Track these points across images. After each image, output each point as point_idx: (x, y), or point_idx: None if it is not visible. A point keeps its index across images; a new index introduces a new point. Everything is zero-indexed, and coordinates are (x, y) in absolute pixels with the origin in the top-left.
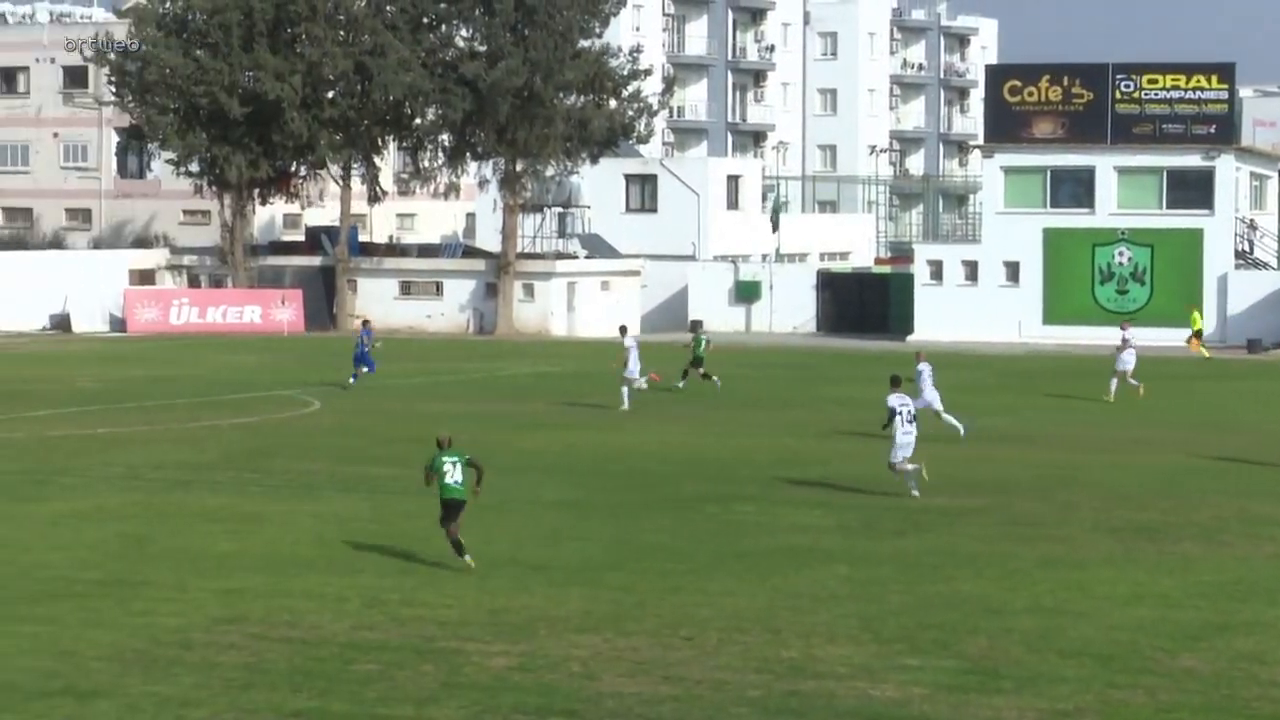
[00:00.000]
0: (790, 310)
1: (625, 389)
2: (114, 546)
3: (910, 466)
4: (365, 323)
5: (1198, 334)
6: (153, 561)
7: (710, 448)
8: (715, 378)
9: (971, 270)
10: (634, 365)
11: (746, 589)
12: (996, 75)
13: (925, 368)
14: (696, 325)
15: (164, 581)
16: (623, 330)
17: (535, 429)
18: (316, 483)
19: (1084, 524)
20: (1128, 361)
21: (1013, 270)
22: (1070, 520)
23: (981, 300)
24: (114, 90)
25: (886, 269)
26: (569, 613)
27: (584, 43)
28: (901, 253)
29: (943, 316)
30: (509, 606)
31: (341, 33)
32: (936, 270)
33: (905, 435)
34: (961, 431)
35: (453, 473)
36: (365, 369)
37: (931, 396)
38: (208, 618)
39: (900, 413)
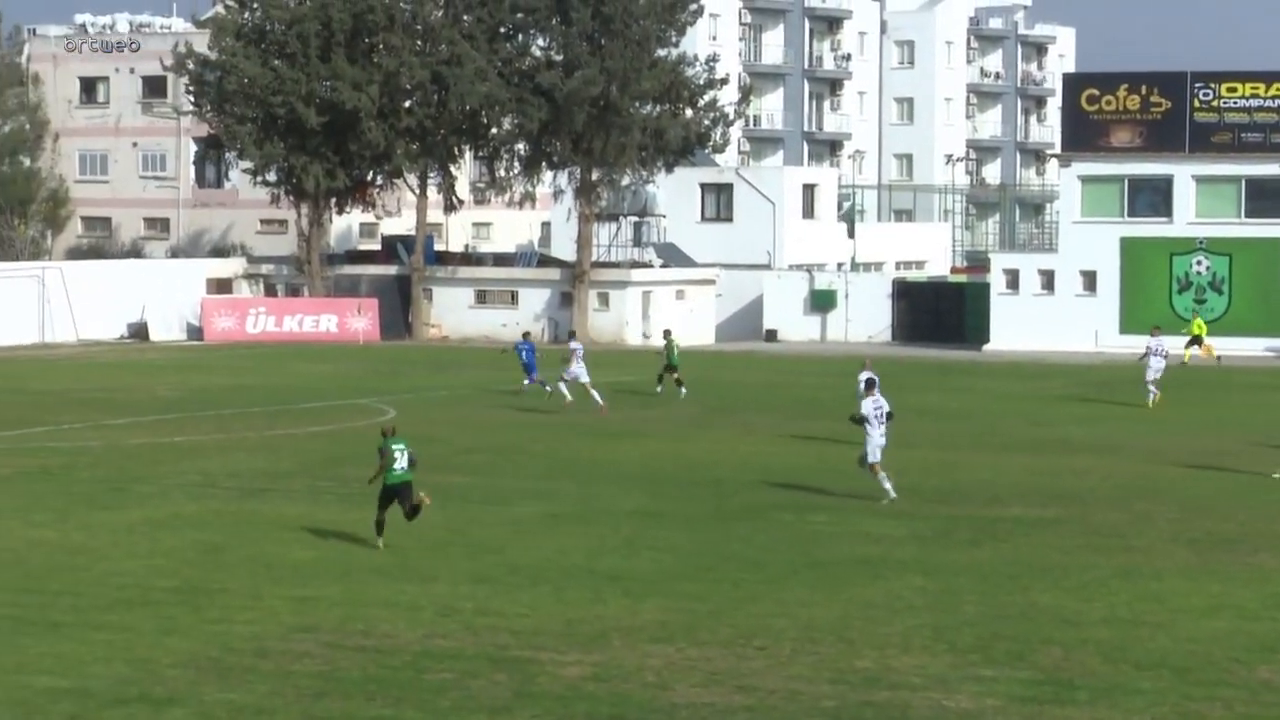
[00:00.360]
0: (865, 319)
1: (563, 385)
2: (190, 554)
3: (885, 477)
4: (526, 335)
5: (1196, 339)
6: (228, 569)
7: (785, 457)
8: (684, 388)
9: (1048, 279)
10: (577, 368)
11: (821, 599)
12: (1074, 84)
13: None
14: (667, 333)
15: (239, 589)
16: (571, 334)
17: (611, 438)
18: None
19: (1161, 535)
20: (1157, 368)
21: (1090, 279)
22: (1147, 531)
23: (1058, 309)
24: (193, 100)
25: (962, 278)
26: (643, 622)
27: (660, 52)
28: (977, 262)
29: (1019, 326)
30: (583, 616)
31: (419, 42)
32: (1013, 279)
33: (879, 437)
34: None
35: (400, 459)
36: (529, 379)
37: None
38: (282, 626)
39: (874, 416)
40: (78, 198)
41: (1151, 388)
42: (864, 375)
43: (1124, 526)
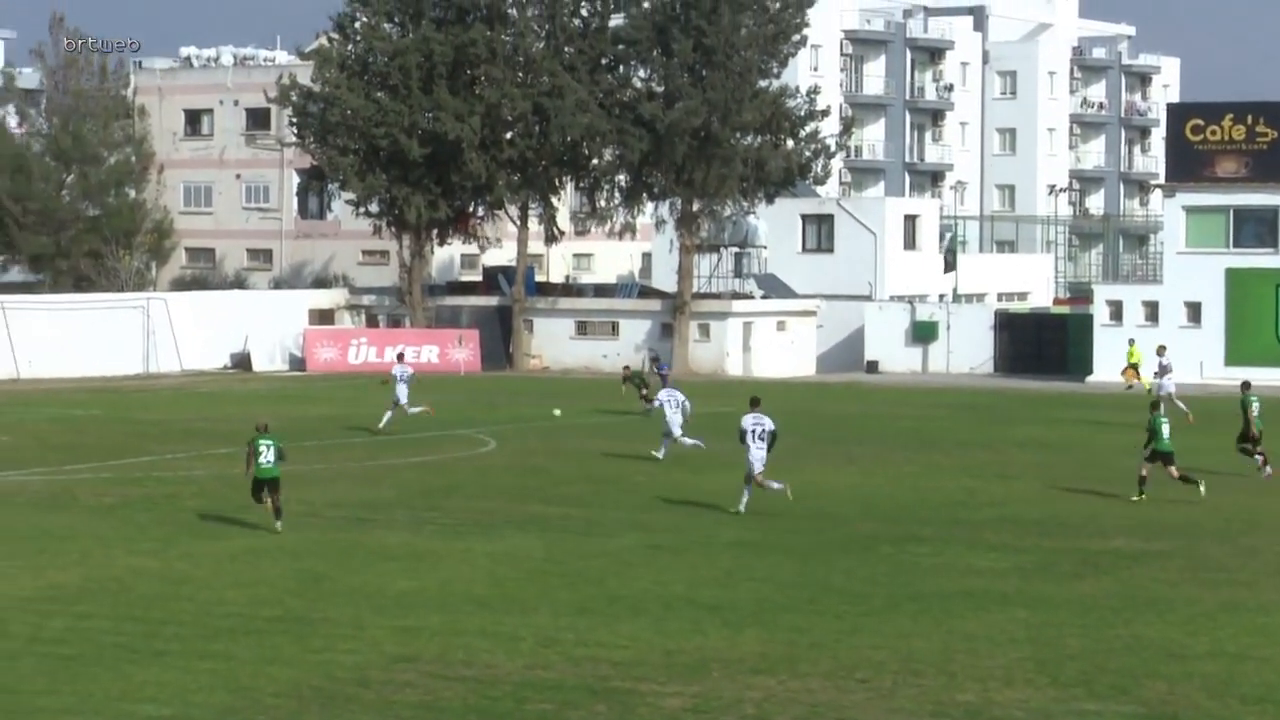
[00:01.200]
0: (967, 351)
1: (389, 414)
2: (292, 584)
3: (775, 485)
4: (400, 355)
5: (1134, 367)
6: (330, 599)
7: (886, 488)
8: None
9: (1152, 311)
10: (401, 394)
11: (922, 631)
12: (1178, 114)
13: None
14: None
15: (341, 619)
16: (399, 357)
17: (712, 469)
18: (492, 521)
19: (1267, 568)
20: (1168, 386)
21: (1194, 311)
22: (1253, 564)
23: (1162, 341)
24: (296, 132)
25: (1065, 309)
26: (744, 654)
27: (762, 83)
28: (1080, 293)
29: (1123, 357)
30: (683, 647)
31: (520, 74)
32: (1116, 311)
33: (757, 450)
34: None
35: (266, 454)
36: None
37: (672, 419)
38: (384, 656)
39: (751, 431)
40: (182, 229)
41: (1179, 404)
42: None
43: (1229, 560)
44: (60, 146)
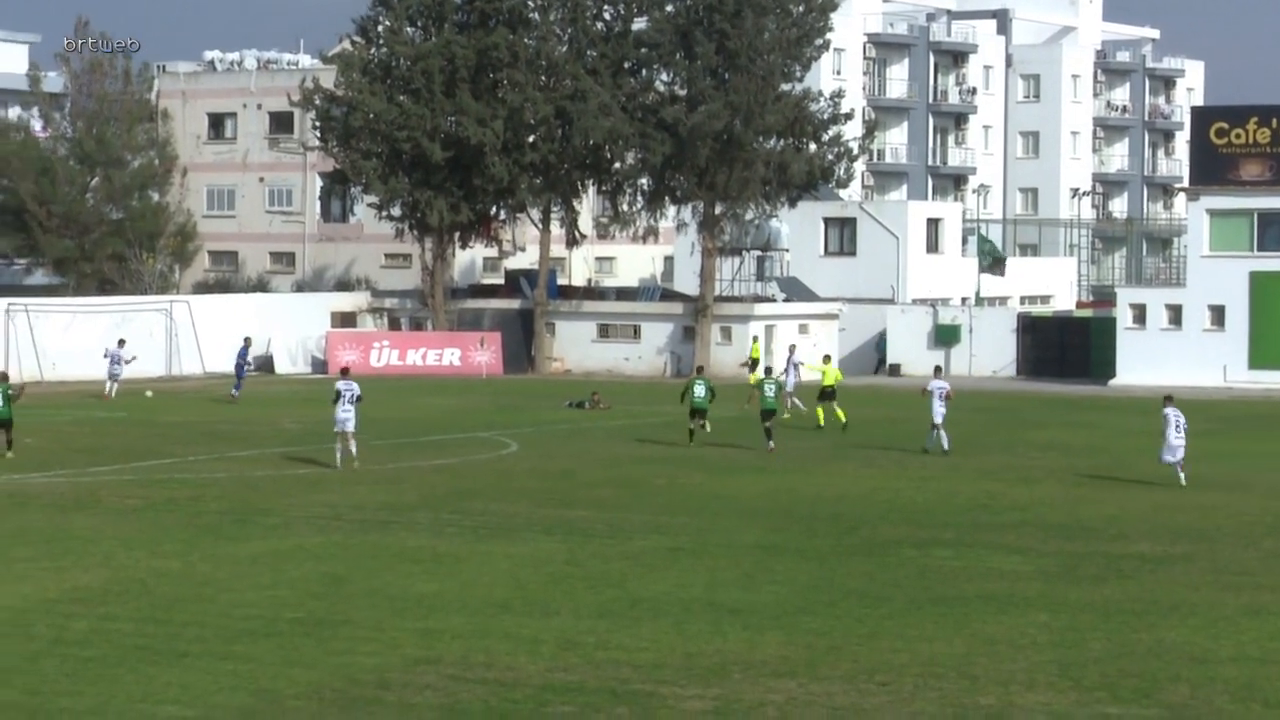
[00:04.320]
0: (990, 354)
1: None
2: (314, 586)
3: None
4: (247, 340)
5: (754, 361)
6: (351, 601)
7: (908, 491)
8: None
9: (1175, 314)
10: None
11: (943, 634)
12: (1203, 117)
13: None
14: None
15: (362, 621)
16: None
17: (732, 472)
18: (514, 524)
19: None
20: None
21: (1218, 314)
22: (1276, 568)
23: (1186, 344)
24: (319, 135)
25: (1088, 313)
26: (764, 657)
27: (785, 86)
28: (1103, 296)
29: (1146, 361)
30: (704, 650)
31: (543, 77)
32: (1140, 314)
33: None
34: None
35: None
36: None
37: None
38: (405, 658)
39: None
40: (205, 232)
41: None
42: None
43: (1252, 564)
44: (84, 150)
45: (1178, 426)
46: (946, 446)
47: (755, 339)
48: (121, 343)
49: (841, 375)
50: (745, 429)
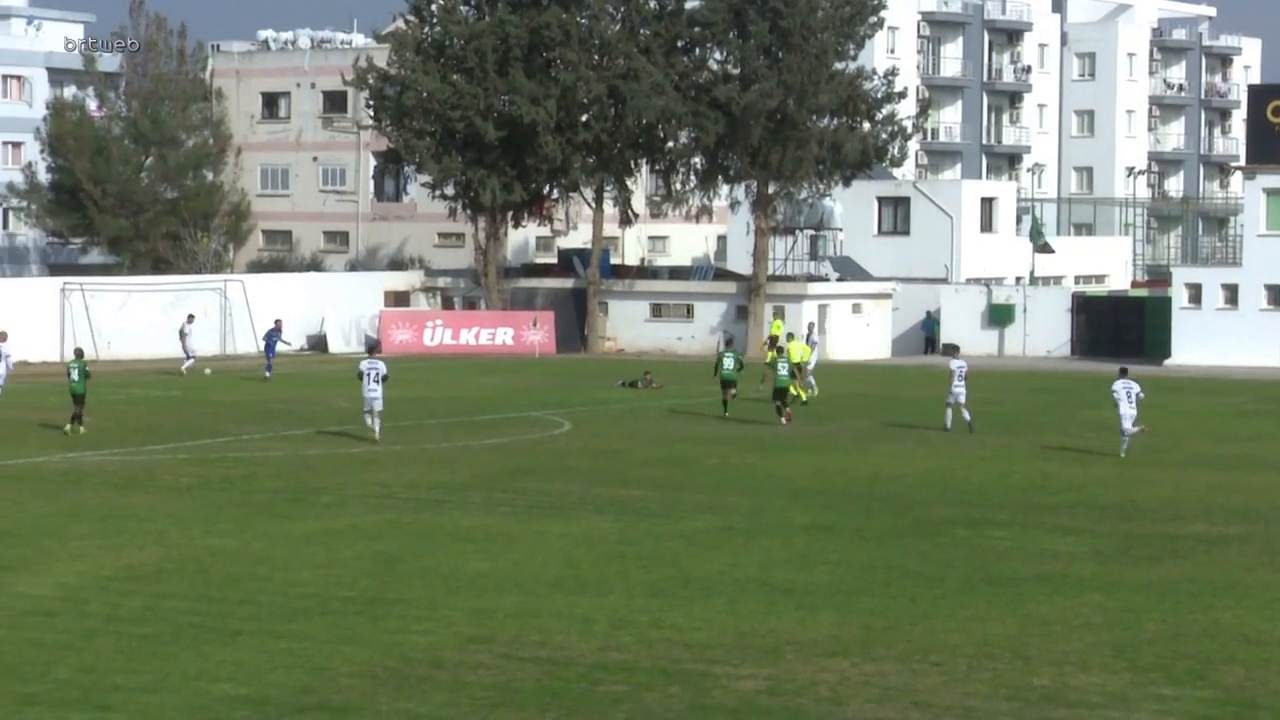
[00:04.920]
0: (1044, 334)
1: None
2: (367, 565)
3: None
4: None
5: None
6: (405, 580)
7: (961, 471)
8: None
9: (1231, 294)
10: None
11: (997, 615)
12: (1260, 95)
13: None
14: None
15: (416, 600)
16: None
17: (785, 451)
18: (567, 503)
19: None
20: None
21: (1275, 294)
22: None
23: (1242, 324)
24: (372, 115)
25: (1143, 292)
26: (817, 636)
27: (838, 65)
28: (1159, 276)
29: (1201, 341)
30: (757, 629)
31: (595, 57)
32: (1195, 294)
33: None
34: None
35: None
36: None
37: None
38: (458, 636)
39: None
40: (259, 211)
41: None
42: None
43: None
44: (139, 129)
45: (1129, 396)
46: (968, 418)
47: (776, 318)
48: (191, 318)
49: (810, 352)
50: (763, 408)
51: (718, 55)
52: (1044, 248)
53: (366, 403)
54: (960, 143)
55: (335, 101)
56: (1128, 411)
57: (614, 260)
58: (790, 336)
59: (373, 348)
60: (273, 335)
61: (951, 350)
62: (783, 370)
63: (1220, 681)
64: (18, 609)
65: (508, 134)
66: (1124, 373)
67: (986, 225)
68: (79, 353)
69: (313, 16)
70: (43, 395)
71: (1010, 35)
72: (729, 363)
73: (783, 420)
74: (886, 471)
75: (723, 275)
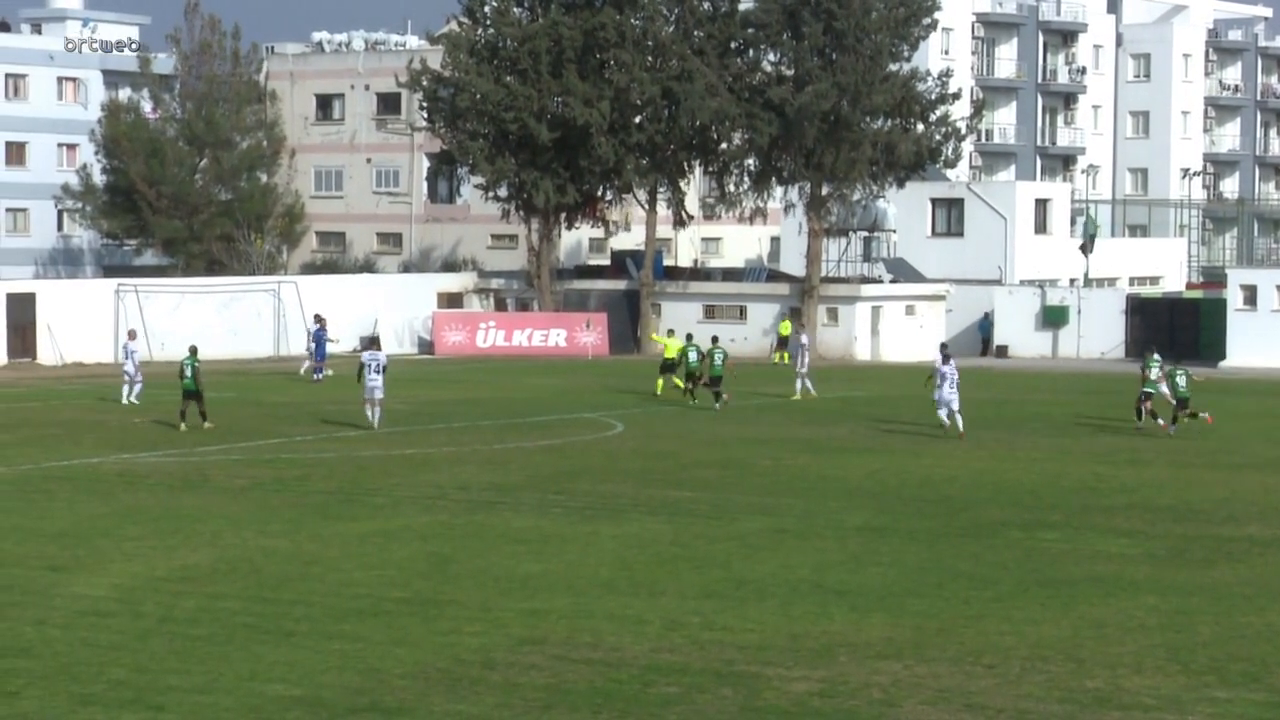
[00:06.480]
0: (1098, 335)
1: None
2: (420, 566)
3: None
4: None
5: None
6: (457, 581)
7: (1015, 473)
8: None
9: None
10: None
11: (1051, 617)
12: None
13: None
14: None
15: (468, 601)
16: (131, 335)
17: (839, 453)
18: (619, 505)
19: None
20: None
21: None
22: None
23: None
24: (426, 116)
25: (1198, 294)
26: (870, 639)
27: (892, 66)
28: (1214, 278)
29: (1257, 342)
30: (810, 631)
31: (649, 58)
32: (1250, 295)
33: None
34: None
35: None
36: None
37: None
38: (511, 638)
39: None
40: (313, 213)
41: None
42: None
43: None
44: (194, 131)
45: (953, 383)
46: (962, 428)
47: (785, 318)
48: (318, 318)
49: (683, 348)
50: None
51: (771, 56)
52: (1084, 247)
53: (367, 391)
54: (1014, 144)
55: (389, 103)
56: (949, 395)
57: (667, 261)
58: (670, 332)
59: (371, 342)
60: (320, 334)
61: (943, 351)
62: (718, 360)
63: (1275, 684)
64: (73, 609)
65: (561, 135)
66: (945, 348)
67: (1040, 227)
68: (193, 350)
69: (367, 18)
70: (97, 396)
71: (1065, 36)
72: (692, 355)
73: (717, 406)
74: (940, 473)
75: (776, 277)
